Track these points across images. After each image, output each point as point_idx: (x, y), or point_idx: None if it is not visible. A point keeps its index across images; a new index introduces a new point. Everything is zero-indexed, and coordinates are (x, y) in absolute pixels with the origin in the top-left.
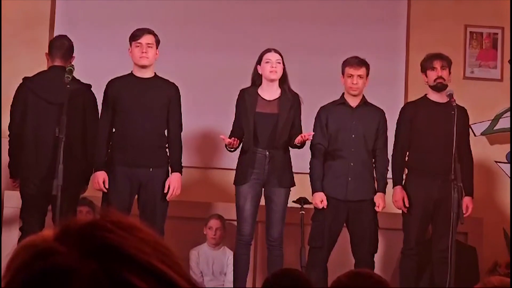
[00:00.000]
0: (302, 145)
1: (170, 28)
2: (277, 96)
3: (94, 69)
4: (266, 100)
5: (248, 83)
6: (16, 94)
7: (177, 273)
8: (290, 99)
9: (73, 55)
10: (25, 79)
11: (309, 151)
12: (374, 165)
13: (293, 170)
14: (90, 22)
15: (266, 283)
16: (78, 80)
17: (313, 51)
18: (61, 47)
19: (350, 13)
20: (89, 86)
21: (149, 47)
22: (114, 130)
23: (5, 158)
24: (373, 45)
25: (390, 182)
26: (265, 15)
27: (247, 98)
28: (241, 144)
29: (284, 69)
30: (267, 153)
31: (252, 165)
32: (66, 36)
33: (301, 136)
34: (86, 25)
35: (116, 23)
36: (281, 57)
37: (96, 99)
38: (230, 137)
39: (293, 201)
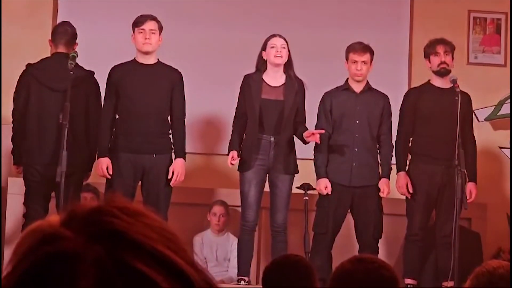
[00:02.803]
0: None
1: (174, 14)
2: (282, 82)
3: (97, 56)
4: (271, 86)
5: (251, 69)
6: (19, 80)
7: (182, 258)
8: (295, 85)
9: (76, 41)
10: (28, 65)
11: None
12: (378, 151)
13: (297, 156)
14: (93, 8)
15: (267, 269)
16: (81, 67)
17: (315, 30)
18: (64, 34)
19: (354, 5)
20: (92, 73)
21: (152, 33)
22: (117, 116)
23: (9, 145)
24: (377, 31)
25: (394, 168)
26: (270, 8)
27: (252, 84)
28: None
29: (289, 55)
30: (272, 139)
31: (257, 152)
32: (69, 22)
33: (312, 133)
34: (89, 11)
35: (119, 10)
36: (286, 42)
37: (99, 86)
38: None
39: (297, 187)
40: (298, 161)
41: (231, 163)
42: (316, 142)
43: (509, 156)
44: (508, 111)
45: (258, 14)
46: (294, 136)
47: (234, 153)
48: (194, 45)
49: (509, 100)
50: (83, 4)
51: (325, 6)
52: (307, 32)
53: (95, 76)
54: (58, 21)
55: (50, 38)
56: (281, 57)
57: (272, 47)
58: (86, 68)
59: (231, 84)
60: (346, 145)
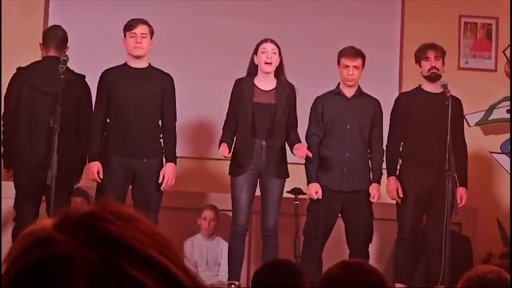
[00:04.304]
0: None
1: (165, 19)
2: (273, 87)
3: (88, 60)
4: (262, 90)
5: (242, 74)
6: (10, 84)
7: (175, 263)
8: (286, 89)
9: (67, 45)
10: (19, 69)
11: (305, 141)
12: (369, 156)
13: (288, 161)
14: (84, 12)
15: (257, 273)
16: (72, 71)
17: (308, 41)
18: (55, 37)
19: (346, 5)
20: (83, 76)
21: (143, 37)
22: (108, 120)
23: None
24: (368, 36)
25: (385, 173)
26: (261, 6)
27: (244, 88)
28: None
29: (280, 59)
30: (264, 143)
31: (250, 156)
32: (60, 26)
33: (301, 149)
34: (80, 15)
35: (110, 14)
36: (278, 47)
37: (90, 90)
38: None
39: (288, 192)
40: (289, 166)
41: (225, 156)
42: (307, 146)
43: (501, 162)
44: (499, 116)
45: (249, 16)
46: (285, 140)
47: (224, 145)
48: (186, 49)
49: (500, 105)
50: (74, 8)
51: (316, 10)
52: (299, 28)
53: (86, 79)
54: (49, 24)
55: (41, 42)
56: (271, 63)
57: (263, 52)
58: (77, 71)
59: (222, 88)
60: (337, 150)
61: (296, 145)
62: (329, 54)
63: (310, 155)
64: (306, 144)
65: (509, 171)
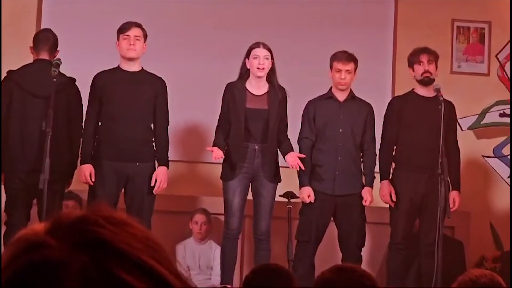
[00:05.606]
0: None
1: (157, 23)
2: (265, 91)
3: (80, 63)
4: (254, 95)
5: (234, 77)
6: (1, 87)
7: (167, 268)
8: (278, 93)
9: (58, 49)
10: (9, 72)
11: (297, 145)
12: (361, 159)
13: (280, 164)
14: (77, 16)
15: (247, 278)
16: (63, 74)
17: (301, 45)
18: (46, 41)
19: (339, 10)
20: (74, 80)
21: (136, 39)
22: (100, 123)
23: None
24: (361, 40)
25: (377, 177)
26: (254, 11)
27: (236, 93)
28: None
29: (272, 63)
30: (256, 147)
31: (242, 160)
32: (50, 29)
33: (294, 158)
34: (72, 20)
35: (103, 18)
36: (270, 52)
37: (80, 93)
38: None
39: (280, 195)
40: (281, 169)
41: (218, 158)
42: (299, 150)
43: (494, 166)
44: (491, 120)
45: (241, 20)
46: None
47: (214, 148)
48: (177, 52)
49: (493, 109)
50: (67, 12)
51: (309, 15)
52: (291, 38)
53: (76, 83)
54: (42, 27)
55: (31, 45)
56: (263, 69)
57: (255, 58)
58: (69, 74)
59: (215, 91)
60: (329, 154)
61: (290, 153)
62: (321, 59)
63: (303, 168)
64: (299, 154)
65: (501, 175)
